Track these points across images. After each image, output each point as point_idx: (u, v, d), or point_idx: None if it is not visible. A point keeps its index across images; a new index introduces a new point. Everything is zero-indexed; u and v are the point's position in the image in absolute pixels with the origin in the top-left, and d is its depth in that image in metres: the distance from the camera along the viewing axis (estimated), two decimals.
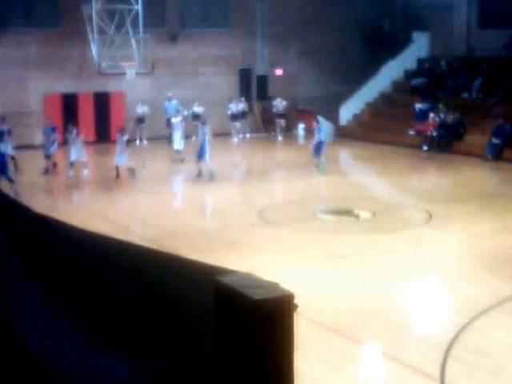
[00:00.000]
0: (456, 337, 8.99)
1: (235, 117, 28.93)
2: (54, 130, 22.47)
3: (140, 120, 27.44)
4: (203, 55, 29.54)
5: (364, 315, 9.85)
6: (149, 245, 3.63)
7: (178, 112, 25.64)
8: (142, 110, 27.62)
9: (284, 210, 17.12)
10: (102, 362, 2.89)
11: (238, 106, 29.14)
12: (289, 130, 30.03)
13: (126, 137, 20.81)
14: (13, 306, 2.90)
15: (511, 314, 10.15)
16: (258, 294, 2.55)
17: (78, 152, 20.92)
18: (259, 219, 15.79)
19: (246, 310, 2.56)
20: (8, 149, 20.11)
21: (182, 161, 23.05)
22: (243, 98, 29.62)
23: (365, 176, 22.58)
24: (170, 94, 27.47)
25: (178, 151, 23.39)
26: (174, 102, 27.25)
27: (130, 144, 20.93)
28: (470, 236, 14.17)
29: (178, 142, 23.20)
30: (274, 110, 29.54)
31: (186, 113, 23.37)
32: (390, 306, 10.32)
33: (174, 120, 22.72)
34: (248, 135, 29.48)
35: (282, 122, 29.35)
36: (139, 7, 24.98)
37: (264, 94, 30.93)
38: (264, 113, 30.80)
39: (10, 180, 17.78)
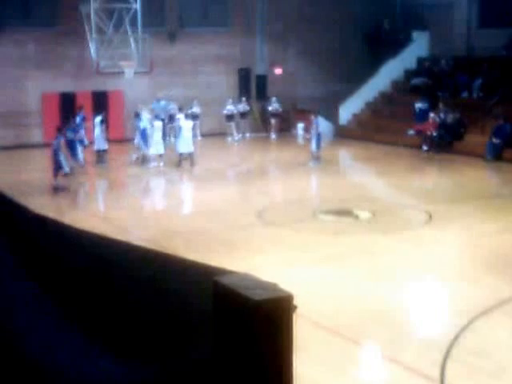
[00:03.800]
0: (456, 338, 8.94)
1: (231, 117, 28.90)
2: None
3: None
4: (202, 54, 29.52)
5: (364, 316, 9.80)
6: (147, 245, 3.57)
7: (179, 110, 25.54)
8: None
9: (283, 210, 17.07)
10: (100, 363, 2.86)
11: (238, 106, 29.09)
12: (288, 130, 30.02)
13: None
14: (10, 306, 2.86)
15: (511, 315, 10.10)
16: (256, 295, 2.50)
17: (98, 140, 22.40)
18: (258, 219, 15.74)
19: (244, 311, 2.51)
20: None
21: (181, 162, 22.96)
22: (244, 98, 29.56)
23: (364, 176, 22.55)
24: (159, 95, 27.43)
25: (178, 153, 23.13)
26: (162, 102, 27.21)
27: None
28: (470, 236, 14.13)
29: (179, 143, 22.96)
30: (270, 108, 29.53)
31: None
32: (390, 306, 10.27)
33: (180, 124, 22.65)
34: (248, 135, 29.45)
35: (276, 121, 29.36)
36: (138, 6, 24.97)
37: (263, 94, 30.90)
38: (262, 112, 30.78)
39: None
